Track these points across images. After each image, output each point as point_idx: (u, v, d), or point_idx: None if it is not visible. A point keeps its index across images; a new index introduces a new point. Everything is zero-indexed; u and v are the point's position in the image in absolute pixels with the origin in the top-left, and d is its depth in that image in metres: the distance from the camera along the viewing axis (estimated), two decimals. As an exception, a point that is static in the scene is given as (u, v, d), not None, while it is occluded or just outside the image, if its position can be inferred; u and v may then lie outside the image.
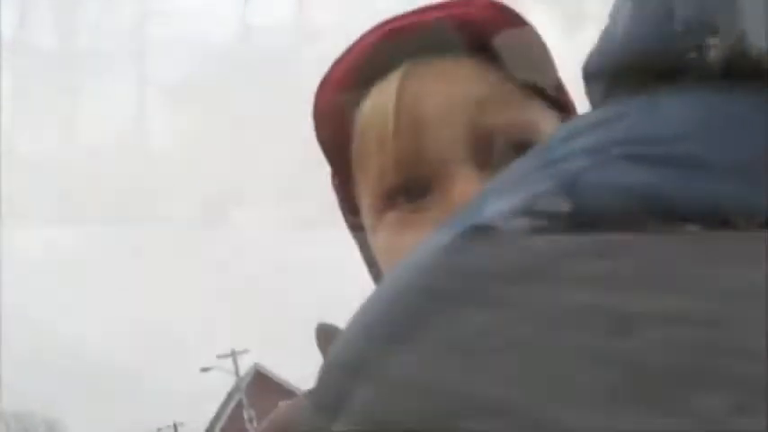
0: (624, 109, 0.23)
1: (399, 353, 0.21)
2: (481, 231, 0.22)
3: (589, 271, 0.20)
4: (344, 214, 0.57)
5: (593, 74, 0.26)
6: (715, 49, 0.22)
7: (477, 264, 0.21)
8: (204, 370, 20.79)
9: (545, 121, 0.51)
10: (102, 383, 34.03)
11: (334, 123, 0.54)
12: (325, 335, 0.51)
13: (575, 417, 0.18)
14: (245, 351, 20.88)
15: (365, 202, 0.52)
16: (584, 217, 0.20)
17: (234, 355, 20.52)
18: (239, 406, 20.40)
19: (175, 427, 26.94)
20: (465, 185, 0.47)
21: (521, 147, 0.46)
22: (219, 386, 22.62)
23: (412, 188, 0.49)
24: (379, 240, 0.51)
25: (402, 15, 0.53)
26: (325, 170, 0.59)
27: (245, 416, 18.91)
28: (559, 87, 0.54)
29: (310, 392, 0.22)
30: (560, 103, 0.53)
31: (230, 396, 21.98)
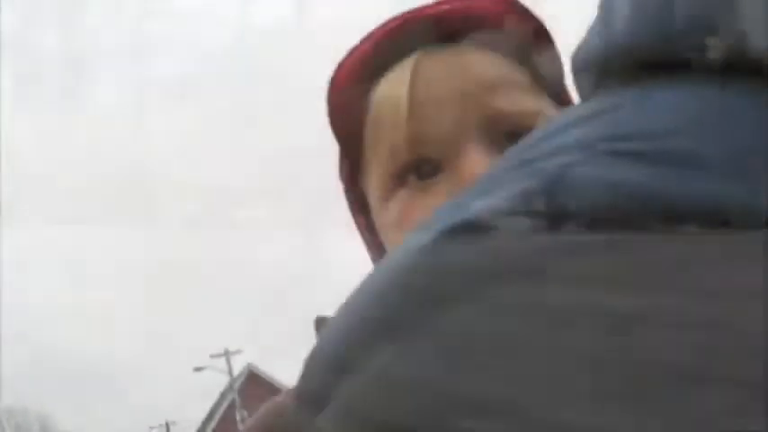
0: (615, 101, 0.23)
1: (386, 349, 0.21)
2: (466, 228, 0.22)
3: (588, 271, 0.19)
4: (350, 203, 0.59)
5: (583, 66, 0.26)
6: (715, 49, 0.22)
7: (461, 261, 0.21)
8: (197, 369, 20.86)
9: (549, 114, 0.53)
10: (97, 381, 34.09)
11: (349, 109, 0.56)
12: (325, 327, 0.58)
13: (574, 417, 0.17)
14: (239, 351, 20.96)
15: (376, 184, 0.54)
16: (569, 214, 0.20)
17: (227, 354, 20.58)
18: (232, 406, 20.46)
19: (167, 426, 27.04)
20: (475, 165, 0.49)
21: (527, 133, 0.52)
22: (212, 386, 22.73)
23: (423, 166, 0.52)
24: (388, 216, 0.53)
25: (415, 8, 0.55)
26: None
27: (238, 416, 18.99)
28: (563, 86, 0.56)
29: (295, 386, 0.24)
30: (563, 102, 0.55)
31: (223, 396, 22.05)
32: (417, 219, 0.50)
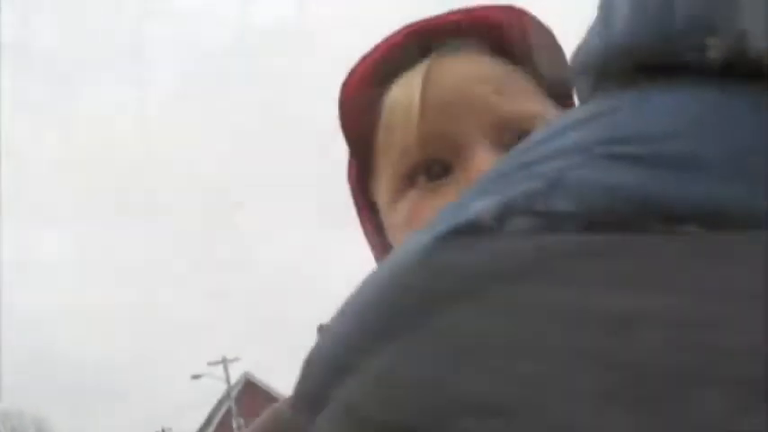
0: (613, 104, 0.23)
1: (385, 349, 0.21)
2: (466, 229, 0.22)
3: (588, 270, 0.20)
4: (357, 205, 0.61)
5: (582, 68, 0.26)
6: (715, 49, 0.22)
7: (461, 261, 0.21)
8: (195, 377, 20.72)
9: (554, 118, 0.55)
10: (95, 386, 33.95)
11: (361, 113, 0.57)
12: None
13: (574, 417, 0.17)
14: (236, 359, 20.83)
15: (386, 185, 0.56)
16: (567, 216, 0.20)
17: (225, 362, 20.46)
18: (228, 414, 20.36)
19: (164, 433, 26.91)
20: (484, 166, 0.51)
21: None
22: (209, 393, 22.59)
23: (433, 167, 0.54)
24: (397, 216, 0.55)
25: (428, 18, 0.58)
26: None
27: (234, 424, 18.87)
28: (569, 93, 0.57)
29: (294, 387, 0.24)
30: (571, 106, 0.57)
31: (220, 403, 21.93)
32: (426, 219, 0.52)
